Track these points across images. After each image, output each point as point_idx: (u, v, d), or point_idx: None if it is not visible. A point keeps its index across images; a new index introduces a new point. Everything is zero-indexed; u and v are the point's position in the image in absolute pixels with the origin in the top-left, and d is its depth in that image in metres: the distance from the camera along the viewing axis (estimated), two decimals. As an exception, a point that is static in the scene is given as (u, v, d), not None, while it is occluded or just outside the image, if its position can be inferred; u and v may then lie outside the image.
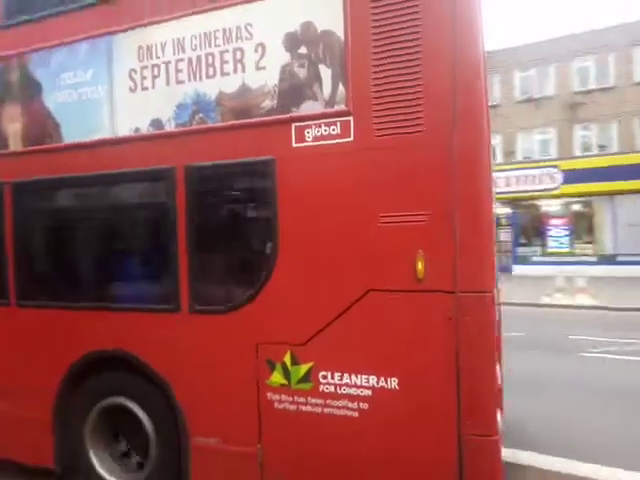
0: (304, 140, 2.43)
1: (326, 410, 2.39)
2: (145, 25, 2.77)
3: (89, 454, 2.96)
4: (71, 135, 3.01)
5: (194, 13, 2.64)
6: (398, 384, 2.28)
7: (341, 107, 2.37)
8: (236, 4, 2.56)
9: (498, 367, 2.41)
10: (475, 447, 2.15)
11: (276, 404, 2.49)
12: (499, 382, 2.45)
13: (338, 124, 2.37)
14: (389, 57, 2.27)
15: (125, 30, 2.82)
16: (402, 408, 2.27)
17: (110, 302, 2.95)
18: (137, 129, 2.82)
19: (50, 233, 3.30)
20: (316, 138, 2.41)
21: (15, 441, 3.15)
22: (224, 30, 2.58)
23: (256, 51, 2.52)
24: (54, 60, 3.05)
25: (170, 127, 2.73)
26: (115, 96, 2.87)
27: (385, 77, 2.28)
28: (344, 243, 2.38)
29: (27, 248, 3.21)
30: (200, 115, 2.67)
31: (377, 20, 2.29)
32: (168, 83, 2.74)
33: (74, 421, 2.99)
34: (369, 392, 2.32)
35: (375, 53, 2.29)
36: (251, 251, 2.72)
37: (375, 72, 2.30)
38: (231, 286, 2.71)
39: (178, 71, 2.71)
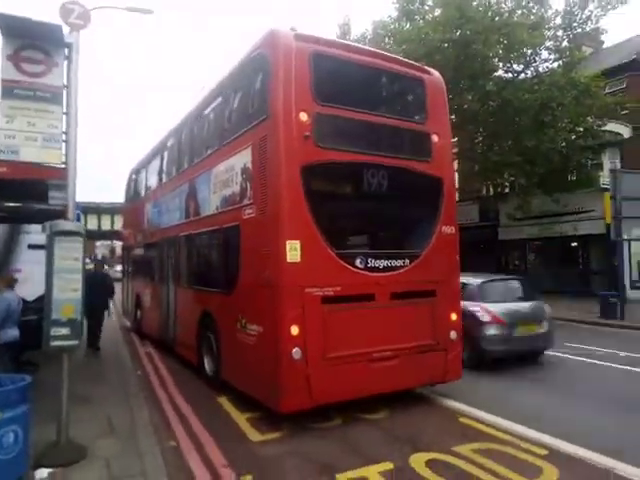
0: (245, 215, 5.98)
1: (246, 339, 5.81)
2: (213, 167, 6.98)
3: (203, 355, 7.33)
4: (202, 213, 7.56)
5: (220, 162, 6.66)
6: (263, 328, 5.47)
7: (251, 201, 5.80)
8: (231, 157, 6.39)
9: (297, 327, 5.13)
10: (278, 355, 5.10)
11: (237, 335, 6.06)
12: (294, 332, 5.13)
13: (251, 208, 5.81)
14: (259, 184, 5.58)
15: (212, 167, 7.11)
16: (264, 338, 5.44)
17: (206, 287, 7.29)
18: (213, 210, 7.04)
19: (189, 256, 8.08)
20: (247, 214, 5.92)
21: (188, 351, 7.93)
22: (227, 168, 6.46)
23: (235, 176, 6.27)
24: (199, 180, 7.70)
25: (219, 210, 6.80)
26: (210, 195, 7.20)
27: (258, 191, 5.60)
28: (254, 262, 5.75)
29: (187, 263, 8.08)
30: (224, 204, 6.62)
31: (258, 168, 5.63)
32: (220, 190, 6.81)
33: (200, 342, 7.42)
34: (255, 332, 5.61)
35: (258, 180, 5.62)
36: (236, 266, 6.35)
37: (256, 188, 5.64)
38: (230, 283, 6.43)
39: (220, 185, 6.75)
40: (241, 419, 5.65)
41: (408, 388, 6.10)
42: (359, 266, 5.62)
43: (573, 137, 19.65)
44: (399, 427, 5.33)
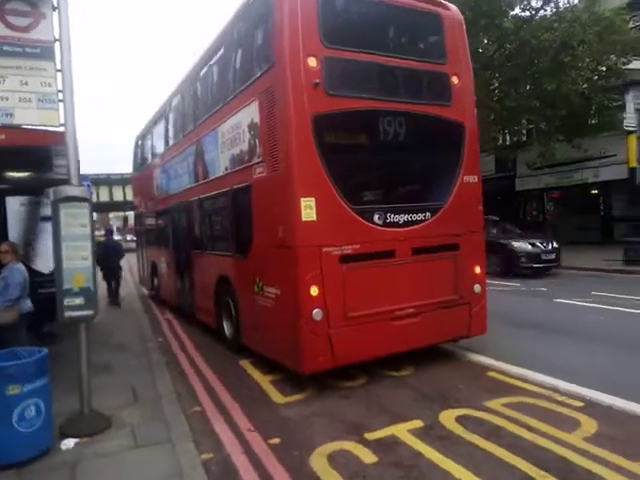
0: (255, 174, 5.70)
1: (264, 302, 5.67)
2: (219, 126, 6.64)
3: (222, 319, 7.26)
4: (211, 175, 7.29)
5: (226, 119, 6.32)
6: (280, 291, 5.30)
7: (261, 159, 5.50)
8: (236, 113, 6.04)
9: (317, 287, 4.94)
10: (298, 316, 4.94)
11: (255, 298, 5.92)
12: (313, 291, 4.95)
13: (262, 166, 5.52)
14: (269, 140, 5.26)
15: (218, 126, 6.77)
16: (282, 300, 5.29)
17: (220, 251, 7.12)
18: (223, 171, 6.76)
19: (202, 221, 7.90)
20: (258, 173, 5.64)
21: (207, 316, 7.87)
22: (234, 125, 6.13)
23: (242, 134, 5.94)
24: (206, 140, 7.38)
25: (228, 171, 6.53)
26: (218, 156, 6.90)
27: (268, 148, 5.29)
28: (268, 224, 5.51)
29: (199, 229, 7.91)
30: (234, 164, 6.33)
31: (266, 123, 5.30)
32: (228, 149, 6.51)
33: (218, 307, 7.34)
34: (273, 294, 5.45)
35: (267, 136, 5.30)
36: (250, 228, 6.12)
37: (266, 145, 5.32)
38: (244, 246, 6.25)
39: (228, 145, 6.44)
40: (264, 382, 5.58)
41: (432, 345, 5.95)
42: (378, 222, 5.36)
43: (595, 77, 18.62)
44: (426, 384, 5.21)
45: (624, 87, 19.29)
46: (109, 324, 9.06)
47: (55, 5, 4.16)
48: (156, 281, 11.93)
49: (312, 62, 5.00)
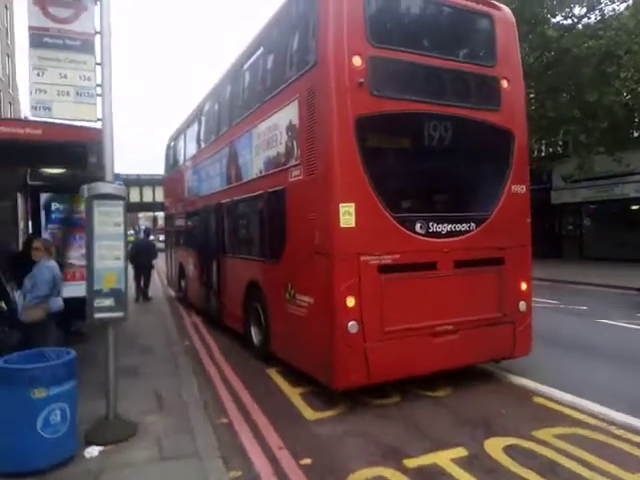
0: (291, 177, 5.49)
1: (295, 310, 5.43)
2: (255, 127, 6.47)
3: (250, 326, 7.05)
4: (244, 178, 7.12)
5: (262, 121, 6.14)
6: (314, 300, 5.05)
7: (298, 162, 5.29)
8: (274, 113, 5.86)
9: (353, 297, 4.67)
10: (333, 329, 4.68)
11: (287, 306, 5.69)
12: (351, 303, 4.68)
13: (298, 169, 5.31)
14: (308, 142, 5.04)
15: (254, 127, 6.60)
16: (316, 310, 5.03)
17: (251, 256, 6.92)
18: (256, 174, 6.58)
19: (233, 224, 7.74)
20: (294, 176, 5.43)
21: (235, 321, 7.69)
22: (270, 127, 5.94)
23: (279, 135, 5.75)
24: (240, 142, 7.23)
25: (262, 174, 6.34)
26: (252, 158, 6.73)
27: (307, 150, 5.07)
28: (303, 229, 5.29)
29: (230, 232, 7.77)
30: (268, 167, 6.14)
31: (305, 124, 5.08)
32: (263, 152, 6.33)
33: (247, 313, 7.14)
34: (306, 303, 5.20)
35: (306, 138, 5.09)
36: (283, 233, 5.90)
37: (304, 147, 5.11)
38: (276, 251, 6.03)
39: (263, 147, 6.26)
40: (294, 394, 5.32)
41: (472, 364, 5.59)
42: (420, 231, 5.06)
43: (640, 89, 17.85)
44: (465, 407, 4.86)
45: (671, 99, 18.47)
46: (136, 325, 8.98)
47: (97, -3, 4.07)
48: (184, 283, 11.87)
49: (357, 61, 4.76)
